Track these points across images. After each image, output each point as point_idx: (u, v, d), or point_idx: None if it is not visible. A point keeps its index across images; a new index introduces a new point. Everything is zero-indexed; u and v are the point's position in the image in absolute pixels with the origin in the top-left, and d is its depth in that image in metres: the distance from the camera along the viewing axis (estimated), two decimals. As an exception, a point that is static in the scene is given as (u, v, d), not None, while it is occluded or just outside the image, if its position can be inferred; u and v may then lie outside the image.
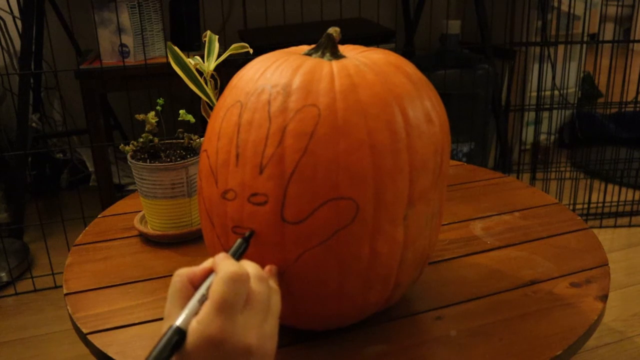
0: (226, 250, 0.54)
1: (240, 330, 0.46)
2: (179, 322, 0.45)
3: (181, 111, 0.86)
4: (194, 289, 0.48)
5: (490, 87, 2.05)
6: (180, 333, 0.44)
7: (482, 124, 2.11)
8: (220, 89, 0.82)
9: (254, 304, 0.48)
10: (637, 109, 2.19)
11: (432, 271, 0.78)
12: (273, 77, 0.58)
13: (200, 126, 0.89)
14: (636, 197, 2.03)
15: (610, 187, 2.04)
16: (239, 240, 0.56)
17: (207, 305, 0.45)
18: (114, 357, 0.64)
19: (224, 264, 0.47)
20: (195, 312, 0.45)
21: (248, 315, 0.47)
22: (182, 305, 0.46)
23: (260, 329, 0.47)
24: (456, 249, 0.84)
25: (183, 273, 0.49)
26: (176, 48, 0.85)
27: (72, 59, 2.00)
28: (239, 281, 0.46)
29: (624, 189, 2.03)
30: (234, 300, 0.46)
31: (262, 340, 0.47)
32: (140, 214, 0.92)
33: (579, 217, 0.92)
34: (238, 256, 0.55)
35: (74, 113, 2.15)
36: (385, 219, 0.57)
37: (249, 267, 0.50)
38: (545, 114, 2.15)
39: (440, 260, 0.81)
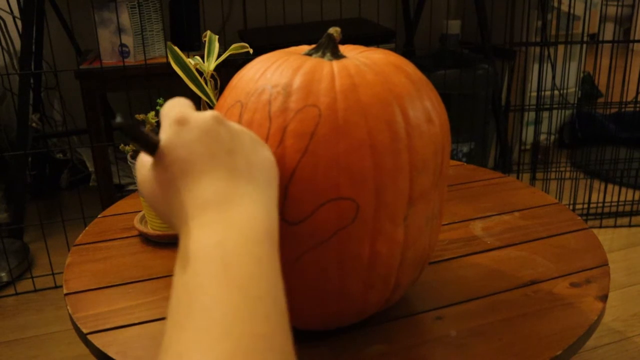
0: None
1: (197, 113, 0.46)
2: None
3: (181, 111, 0.86)
4: None
5: (490, 87, 2.05)
6: (127, 126, 0.43)
7: (482, 124, 2.11)
8: (220, 89, 0.82)
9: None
10: (637, 109, 2.19)
11: (432, 271, 0.78)
12: (273, 77, 0.58)
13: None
14: (636, 197, 2.03)
15: (610, 187, 2.04)
16: None
17: (161, 117, 0.46)
18: (114, 357, 0.64)
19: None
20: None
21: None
22: None
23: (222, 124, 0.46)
24: (456, 249, 0.84)
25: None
26: (176, 48, 0.85)
27: (72, 59, 2.00)
28: (176, 99, 0.47)
29: (624, 189, 2.03)
30: (178, 101, 0.47)
31: (225, 122, 0.46)
32: (140, 214, 0.92)
33: (579, 217, 0.92)
34: None
35: (74, 113, 2.15)
36: (386, 219, 0.57)
37: None
38: (545, 114, 2.15)
39: (440, 260, 0.81)
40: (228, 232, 0.40)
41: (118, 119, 0.41)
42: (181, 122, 0.44)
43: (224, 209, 0.42)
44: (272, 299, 0.38)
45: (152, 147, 0.44)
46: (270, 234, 0.42)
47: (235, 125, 0.48)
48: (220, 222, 0.41)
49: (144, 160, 0.48)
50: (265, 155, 0.49)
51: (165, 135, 0.44)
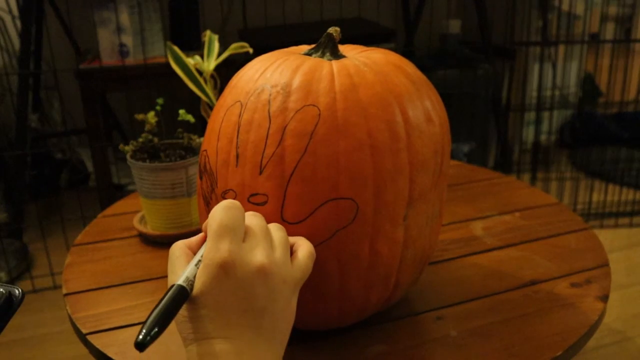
0: None
1: (247, 252, 0.45)
2: (179, 281, 0.44)
3: (181, 111, 0.86)
4: (193, 255, 0.48)
5: (490, 87, 2.05)
6: (182, 291, 0.43)
7: (482, 124, 2.11)
8: (220, 89, 0.82)
9: (255, 233, 0.47)
10: (638, 108, 2.19)
11: (432, 271, 0.78)
12: (273, 77, 0.57)
13: (200, 126, 0.89)
14: (637, 197, 2.02)
15: (610, 187, 2.04)
16: None
17: (208, 238, 0.45)
18: (113, 357, 0.64)
19: (213, 212, 0.47)
20: (194, 274, 0.45)
21: (252, 241, 0.46)
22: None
23: (268, 251, 0.46)
24: (456, 249, 0.83)
25: (180, 242, 0.49)
26: (176, 48, 0.85)
27: (72, 58, 1.99)
28: (232, 208, 0.46)
29: (624, 189, 2.03)
30: (233, 224, 0.45)
31: (273, 262, 0.46)
32: (140, 214, 0.92)
33: (580, 217, 0.92)
34: None
35: (74, 113, 2.14)
36: (386, 219, 0.56)
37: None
38: (546, 114, 2.15)
39: (440, 261, 0.80)
40: None
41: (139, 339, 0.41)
42: (226, 269, 0.44)
43: None
44: None
45: (183, 298, 0.44)
46: None
47: (274, 280, 0.46)
48: None
49: None
50: (292, 310, 0.49)
51: (204, 276, 0.44)
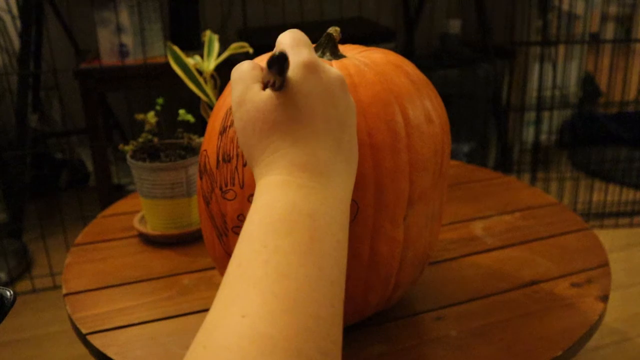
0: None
1: (324, 64, 0.44)
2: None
3: (181, 111, 0.86)
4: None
5: (490, 87, 2.04)
6: (284, 56, 0.41)
7: (482, 124, 2.11)
8: (220, 89, 0.82)
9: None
10: (638, 108, 2.19)
11: (432, 271, 0.78)
12: (273, 77, 0.57)
13: (200, 126, 0.89)
14: (637, 197, 2.02)
15: (611, 187, 2.04)
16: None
17: (286, 47, 0.44)
18: (113, 357, 0.63)
19: (281, 36, 0.46)
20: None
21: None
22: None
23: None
24: (456, 249, 0.83)
25: (248, 61, 0.47)
26: (176, 48, 0.85)
27: (71, 58, 1.99)
28: (297, 30, 0.46)
29: (625, 189, 2.03)
30: (305, 38, 0.45)
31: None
32: (140, 214, 0.92)
33: (580, 217, 0.92)
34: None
35: (73, 113, 2.14)
36: (386, 219, 0.56)
37: None
38: (546, 114, 2.15)
39: (440, 261, 0.80)
40: (321, 207, 0.40)
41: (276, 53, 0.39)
42: (311, 70, 0.43)
43: (322, 182, 0.41)
44: (340, 287, 0.38)
45: (281, 83, 0.42)
46: (348, 221, 0.43)
47: (350, 97, 0.46)
48: (316, 193, 0.40)
49: (252, 85, 0.45)
50: (357, 136, 0.47)
51: (293, 75, 0.42)
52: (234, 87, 0.46)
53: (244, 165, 0.56)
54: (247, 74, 0.46)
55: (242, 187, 0.56)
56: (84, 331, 0.68)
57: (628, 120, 2.36)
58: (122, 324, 0.69)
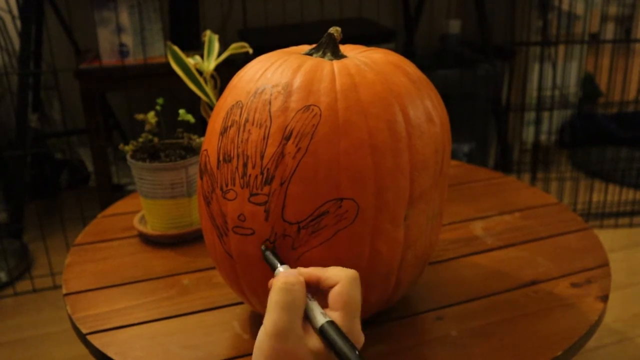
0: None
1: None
2: (323, 321, 0.45)
3: (181, 111, 0.86)
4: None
5: (490, 87, 2.04)
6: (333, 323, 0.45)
7: (482, 124, 2.10)
8: (220, 89, 0.82)
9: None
10: (638, 108, 2.19)
11: (432, 271, 0.78)
12: (274, 77, 0.57)
13: (201, 126, 0.89)
14: (637, 197, 2.02)
15: (611, 187, 2.04)
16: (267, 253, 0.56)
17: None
18: (113, 357, 0.64)
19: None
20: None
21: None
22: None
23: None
24: (457, 249, 0.83)
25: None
26: (176, 48, 0.85)
27: (71, 58, 1.99)
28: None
29: (624, 189, 2.03)
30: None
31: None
32: (140, 214, 0.92)
33: (580, 217, 0.92)
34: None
35: (74, 113, 2.14)
36: (386, 219, 0.56)
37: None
38: (546, 114, 2.15)
39: (440, 261, 0.80)
40: None
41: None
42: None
43: None
44: None
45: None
46: None
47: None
48: None
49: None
50: None
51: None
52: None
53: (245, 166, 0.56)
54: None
55: (242, 187, 0.56)
56: (84, 331, 0.68)
57: (628, 121, 2.36)
58: (122, 323, 0.69)
